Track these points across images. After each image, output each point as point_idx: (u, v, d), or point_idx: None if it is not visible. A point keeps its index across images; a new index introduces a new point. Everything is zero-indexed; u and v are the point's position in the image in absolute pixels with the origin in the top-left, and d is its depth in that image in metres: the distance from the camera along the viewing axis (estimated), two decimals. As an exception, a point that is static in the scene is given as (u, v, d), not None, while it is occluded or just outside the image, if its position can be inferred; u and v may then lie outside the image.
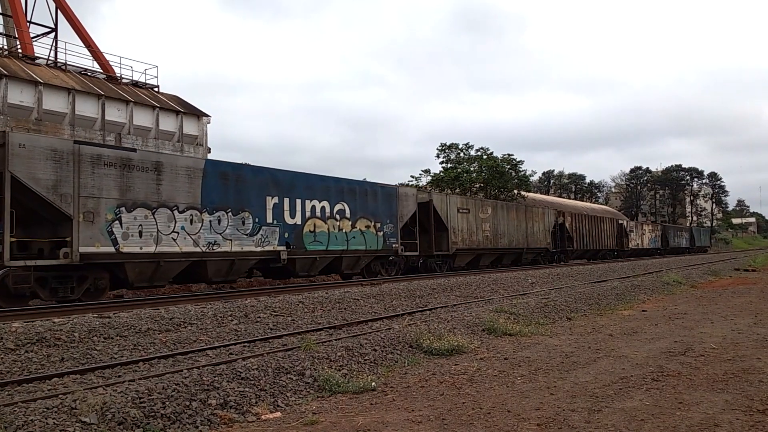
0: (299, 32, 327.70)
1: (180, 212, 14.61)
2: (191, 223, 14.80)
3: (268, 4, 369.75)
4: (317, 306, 12.31)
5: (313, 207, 18.54)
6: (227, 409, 5.57)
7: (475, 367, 7.31)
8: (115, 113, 25.75)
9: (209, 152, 29.65)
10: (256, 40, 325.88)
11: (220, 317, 10.52)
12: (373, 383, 6.52)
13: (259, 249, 16.63)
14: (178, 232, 14.49)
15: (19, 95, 22.71)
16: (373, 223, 20.71)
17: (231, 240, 15.80)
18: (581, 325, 11.04)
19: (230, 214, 15.85)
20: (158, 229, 14.10)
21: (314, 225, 18.42)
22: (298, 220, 17.86)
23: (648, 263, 34.23)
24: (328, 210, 19.01)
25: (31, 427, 4.68)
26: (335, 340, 8.50)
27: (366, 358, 7.63)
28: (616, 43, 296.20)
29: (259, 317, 10.83)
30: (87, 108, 24.81)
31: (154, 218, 14.07)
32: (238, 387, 6.03)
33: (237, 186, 16.16)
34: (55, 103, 23.74)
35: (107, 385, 5.84)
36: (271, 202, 17.12)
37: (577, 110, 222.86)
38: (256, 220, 16.60)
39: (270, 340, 8.79)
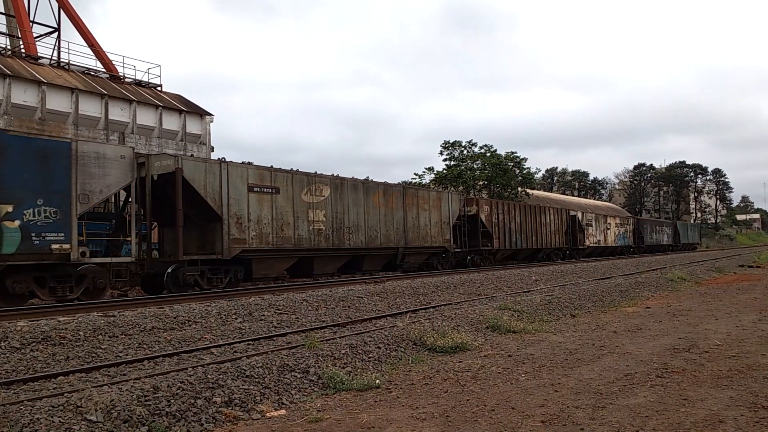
0: (290, 32, 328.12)
1: None
2: None
3: (257, 4, 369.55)
4: (321, 304, 12.33)
5: None
6: (232, 407, 5.59)
7: (479, 365, 7.32)
8: (118, 112, 25.78)
9: (212, 151, 29.68)
10: (249, 40, 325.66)
11: (225, 315, 10.55)
12: (377, 381, 6.53)
13: None
14: None
15: (23, 95, 22.76)
16: None
17: None
18: (585, 322, 11.03)
19: None
20: None
21: None
22: None
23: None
24: None
25: (37, 425, 4.71)
26: (339, 337, 8.52)
27: (370, 355, 7.64)
28: (609, 41, 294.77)
29: (263, 315, 10.85)
30: (90, 107, 24.83)
31: None
32: (243, 385, 6.04)
33: None
34: (58, 102, 23.78)
35: (113, 384, 5.86)
36: None
37: (573, 108, 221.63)
38: None
39: (274, 338, 8.81)
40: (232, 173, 16.42)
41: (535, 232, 33.08)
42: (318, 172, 19.52)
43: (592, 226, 41.21)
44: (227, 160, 16.77)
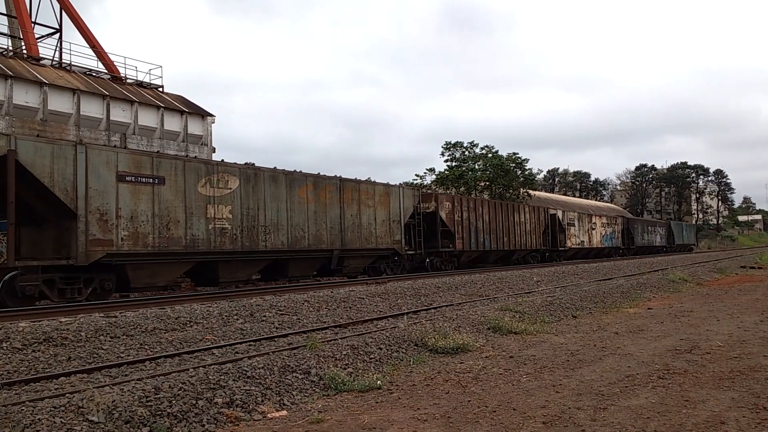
0: (289, 33, 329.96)
1: None
2: None
3: (255, 6, 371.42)
4: (322, 305, 12.34)
5: None
6: (233, 408, 5.59)
7: (481, 366, 7.31)
8: (120, 113, 25.82)
9: (214, 152, 29.71)
10: (248, 41, 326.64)
11: (226, 316, 10.55)
12: (379, 382, 6.53)
13: None
14: None
15: (25, 96, 22.81)
16: None
17: None
18: (587, 323, 11.02)
19: None
20: None
21: None
22: None
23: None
24: None
25: (38, 426, 4.71)
26: (340, 338, 8.52)
27: (371, 356, 7.64)
28: (609, 41, 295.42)
29: (265, 316, 10.85)
30: (92, 108, 24.88)
31: None
32: (244, 386, 6.05)
33: None
34: (60, 103, 23.82)
35: (114, 384, 5.87)
36: None
37: (572, 108, 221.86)
38: None
39: (275, 339, 8.82)
40: (92, 158, 13.23)
41: (507, 232, 30.07)
42: (223, 160, 16.80)
43: (574, 225, 37.49)
44: (86, 142, 13.65)
